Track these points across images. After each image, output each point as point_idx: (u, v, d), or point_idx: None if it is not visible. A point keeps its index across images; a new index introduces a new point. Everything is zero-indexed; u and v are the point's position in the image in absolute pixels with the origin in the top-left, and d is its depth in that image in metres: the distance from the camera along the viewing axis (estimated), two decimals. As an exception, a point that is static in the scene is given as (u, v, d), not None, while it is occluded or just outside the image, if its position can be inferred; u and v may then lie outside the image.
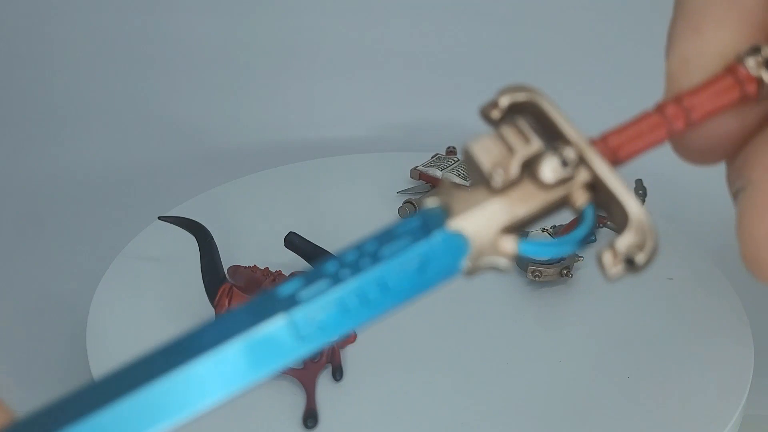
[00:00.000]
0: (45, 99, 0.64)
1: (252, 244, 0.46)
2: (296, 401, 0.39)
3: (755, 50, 0.17)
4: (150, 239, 0.44)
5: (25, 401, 0.45)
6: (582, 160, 0.17)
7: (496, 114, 0.17)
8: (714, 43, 0.18)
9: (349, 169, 0.54)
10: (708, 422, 0.34)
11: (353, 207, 0.50)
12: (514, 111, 0.17)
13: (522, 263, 0.39)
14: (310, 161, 0.55)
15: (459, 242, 0.16)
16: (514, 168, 0.16)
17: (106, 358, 0.34)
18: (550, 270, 0.38)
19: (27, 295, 0.50)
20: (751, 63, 0.17)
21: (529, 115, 0.17)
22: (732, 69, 0.18)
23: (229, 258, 0.44)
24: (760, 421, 0.40)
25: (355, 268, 0.15)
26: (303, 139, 0.62)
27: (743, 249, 0.17)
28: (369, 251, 0.16)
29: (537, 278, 0.37)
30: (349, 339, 0.44)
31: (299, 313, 0.15)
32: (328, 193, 0.52)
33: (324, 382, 0.42)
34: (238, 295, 0.41)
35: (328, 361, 0.43)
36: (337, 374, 0.43)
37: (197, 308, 0.35)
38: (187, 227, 0.44)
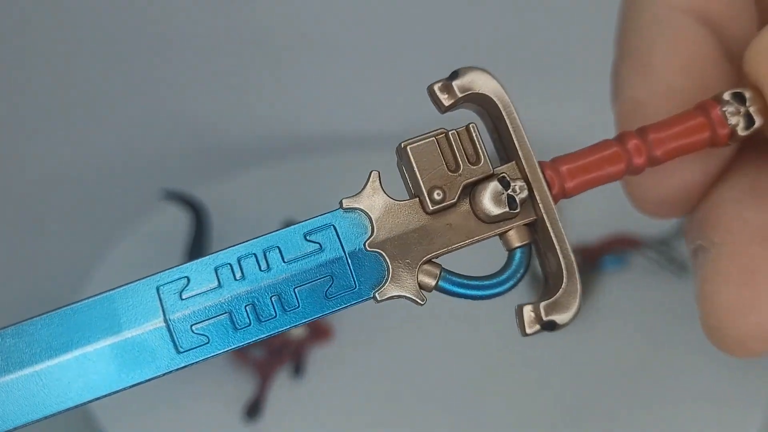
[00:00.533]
0: (44, 95, 0.62)
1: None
2: (243, 392, 0.37)
3: (738, 96, 0.15)
4: (149, 238, 0.43)
5: None
6: (530, 193, 0.15)
7: (446, 100, 0.15)
8: (667, 83, 0.17)
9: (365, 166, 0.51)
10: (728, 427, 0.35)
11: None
12: (468, 101, 0.15)
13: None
14: (325, 157, 0.53)
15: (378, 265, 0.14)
16: (455, 192, 0.15)
17: None
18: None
19: (26, 294, 0.49)
20: (730, 108, 0.15)
21: (480, 109, 0.15)
22: (705, 108, 0.16)
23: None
24: None
25: (252, 276, 0.14)
26: (315, 131, 0.60)
27: (704, 317, 0.16)
28: (272, 255, 0.14)
29: None
30: (324, 334, 0.42)
31: (176, 328, 0.14)
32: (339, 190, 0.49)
33: (282, 377, 0.40)
34: None
35: (292, 358, 0.41)
36: (299, 371, 0.41)
37: None
38: (189, 205, 0.43)
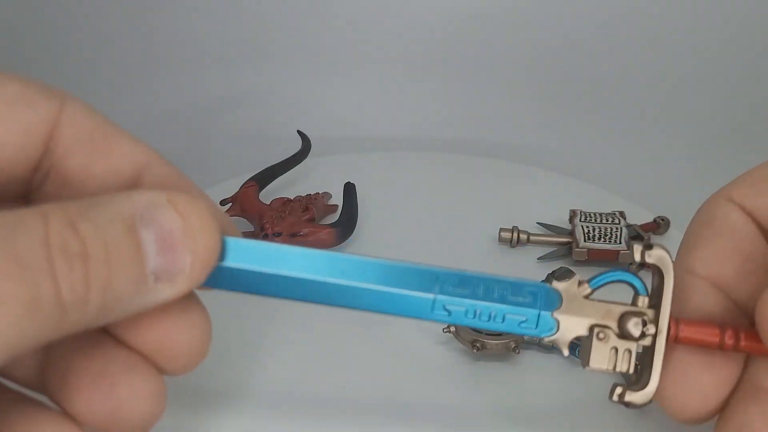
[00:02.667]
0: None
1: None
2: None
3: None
4: None
5: None
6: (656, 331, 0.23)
7: (638, 258, 0.24)
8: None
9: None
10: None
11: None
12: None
13: (465, 333, 0.34)
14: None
15: (551, 325, 0.23)
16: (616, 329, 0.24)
17: None
18: (493, 343, 0.33)
19: None
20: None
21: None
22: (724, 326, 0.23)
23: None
24: None
25: (487, 296, 0.23)
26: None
27: None
28: (501, 290, 0.23)
29: (477, 350, 0.33)
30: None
31: (442, 300, 0.23)
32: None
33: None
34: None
35: None
36: None
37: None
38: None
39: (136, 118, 0.50)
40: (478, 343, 0.33)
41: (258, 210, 0.40)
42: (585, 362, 0.23)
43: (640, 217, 0.44)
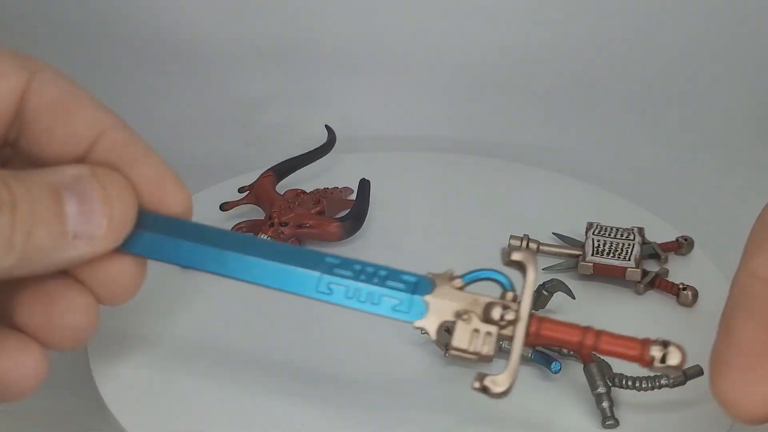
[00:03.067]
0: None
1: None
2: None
3: (665, 344, 0.24)
4: None
5: (26, 401, 0.41)
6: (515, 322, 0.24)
7: (503, 260, 0.25)
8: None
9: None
10: (706, 424, 0.32)
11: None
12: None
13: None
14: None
15: (422, 310, 0.25)
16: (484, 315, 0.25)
17: (106, 358, 0.33)
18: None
19: None
20: (655, 351, 0.24)
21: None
22: (645, 342, 0.24)
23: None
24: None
25: (368, 279, 0.24)
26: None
27: None
28: (380, 275, 0.25)
29: (447, 355, 0.33)
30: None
31: (327, 278, 0.24)
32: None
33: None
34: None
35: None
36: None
37: (198, 306, 0.34)
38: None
39: (180, 114, 0.53)
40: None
41: (270, 199, 0.42)
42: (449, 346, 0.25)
43: (663, 234, 0.42)
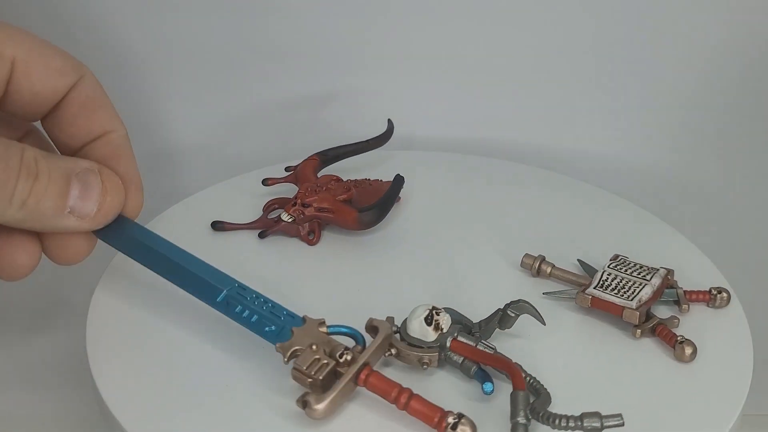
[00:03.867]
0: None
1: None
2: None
3: (460, 416, 0.28)
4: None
5: (26, 401, 0.43)
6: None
7: (367, 326, 0.32)
8: None
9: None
10: (708, 423, 0.32)
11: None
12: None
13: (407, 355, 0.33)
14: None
15: (287, 336, 0.31)
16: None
17: (106, 358, 0.34)
18: (407, 353, 0.32)
19: (26, 293, 0.50)
20: (450, 419, 0.28)
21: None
22: (445, 412, 0.29)
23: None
24: (760, 421, 0.39)
25: (260, 306, 0.32)
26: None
27: None
28: (268, 305, 0.32)
29: (389, 354, 0.33)
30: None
31: (229, 296, 0.32)
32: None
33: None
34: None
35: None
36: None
37: (199, 306, 0.34)
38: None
39: (252, 107, 0.57)
40: (393, 349, 0.33)
41: (305, 181, 0.44)
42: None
43: (711, 279, 0.38)
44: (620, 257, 0.39)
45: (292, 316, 0.32)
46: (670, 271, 0.38)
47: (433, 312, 0.33)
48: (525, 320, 0.34)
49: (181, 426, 0.31)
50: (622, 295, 0.36)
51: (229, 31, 0.52)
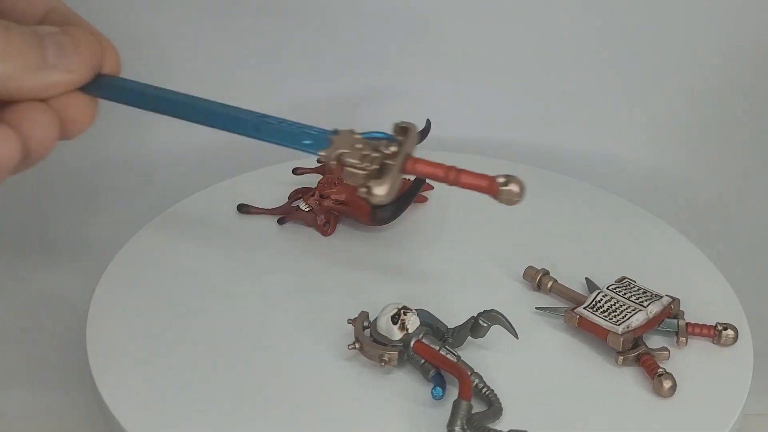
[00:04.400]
0: None
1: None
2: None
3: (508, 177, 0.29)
4: (150, 238, 0.43)
5: (26, 401, 0.42)
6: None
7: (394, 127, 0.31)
8: None
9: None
10: (708, 423, 0.31)
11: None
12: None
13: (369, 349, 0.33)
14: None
15: (325, 145, 0.30)
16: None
17: (106, 358, 0.34)
18: (372, 349, 0.32)
19: (26, 293, 0.50)
20: (500, 179, 0.29)
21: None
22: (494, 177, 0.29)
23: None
24: (761, 421, 0.38)
25: (289, 125, 0.31)
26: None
27: None
28: (297, 125, 0.31)
29: (352, 348, 0.33)
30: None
31: (258, 121, 0.31)
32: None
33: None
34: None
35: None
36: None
37: (199, 306, 0.35)
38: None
39: (292, 103, 0.58)
40: (358, 343, 0.33)
41: (330, 173, 0.45)
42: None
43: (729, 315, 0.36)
44: (626, 280, 0.37)
45: (323, 129, 0.31)
46: (674, 300, 0.35)
47: (401, 311, 0.33)
48: (507, 333, 0.34)
49: (181, 426, 0.31)
50: (611, 319, 0.34)
51: (268, 31, 0.55)
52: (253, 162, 0.50)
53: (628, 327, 0.33)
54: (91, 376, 0.33)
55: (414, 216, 0.44)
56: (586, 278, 0.39)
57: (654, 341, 0.35)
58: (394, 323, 0.33)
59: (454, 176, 0.30)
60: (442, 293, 0.38)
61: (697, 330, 0.35)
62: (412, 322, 0.33)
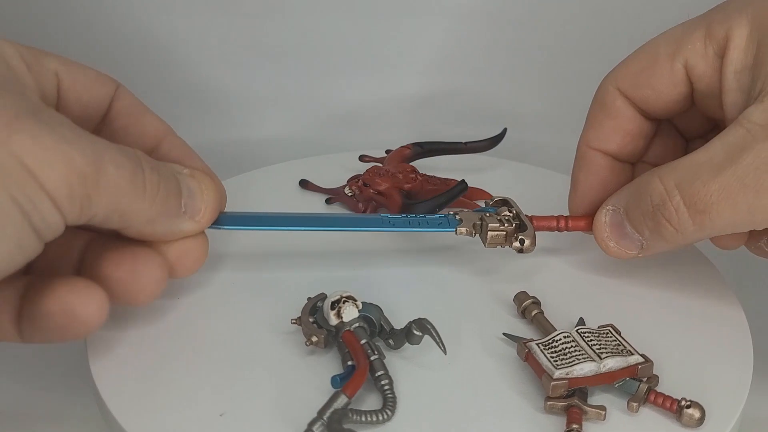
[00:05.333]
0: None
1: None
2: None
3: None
4: None
5: (26, 401, 0.42)
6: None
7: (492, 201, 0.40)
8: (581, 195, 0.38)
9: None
10: (708, 423, 0.31)
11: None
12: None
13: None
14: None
15: (456, 224, 0.37)
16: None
17: (106, 358, 0.34)
18: (306, 327, 0.34)
19: None
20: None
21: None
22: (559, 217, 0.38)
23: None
24: (761, 422, 0.37)
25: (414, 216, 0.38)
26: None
27: None
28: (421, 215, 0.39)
29: (309, 343, 0.34)
30: None
31: (387, 218, 0.38)
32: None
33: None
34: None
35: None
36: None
37: (199, 306, 0.34)
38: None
39: (315, 115, 0.62)
40: (298, 320, 0.34)
41: (389, 164, 0.46)
42: (484, 239, 0.37)
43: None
44: (608, 327, 0.33)
45: (445, 214, 0.38)
46: (646, 364, 0.31)
47: (342, 300, 0.34)
48: (463, 352, 0.34)
49: (181, 426, 0.30)
50: (556, 361, 0.31)
51: (359, 30, 0.57)
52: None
53: (566, 374, 0.30)
54: (91, 376, 0.33)
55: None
56: (581, 318, 0.36)
57: (610, 400, 0.31)
58: (332, 309, 0.34)
59: (563, 223, 0.37)
60: (421, 298, 0.38)
61: (659, 400, 0.30)
62: (348, 312, 0.33)
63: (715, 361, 0.34)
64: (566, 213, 0.39)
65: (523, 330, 0.35)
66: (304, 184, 0.48)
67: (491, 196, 0.46)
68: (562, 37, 0.59)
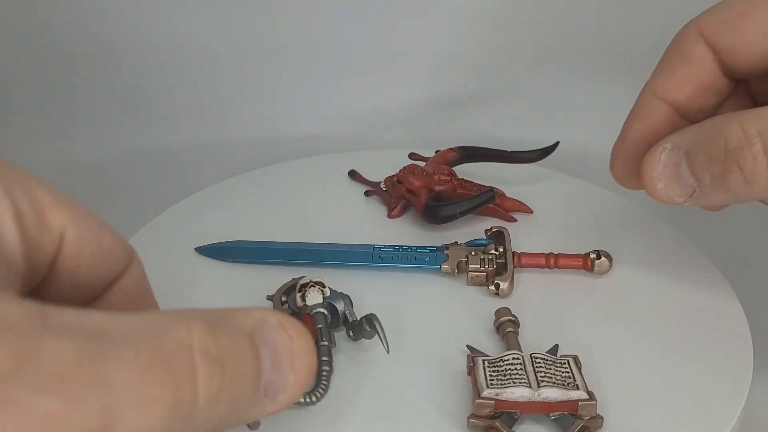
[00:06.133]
0: (50, 94, 0.62)
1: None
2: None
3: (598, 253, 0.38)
4: (148, 238, 0.42)
5: None
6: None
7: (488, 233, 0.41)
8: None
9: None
10: (708, 425, 0.31)
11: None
12: None
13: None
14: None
15: (443, 259, 0.38)
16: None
17: None
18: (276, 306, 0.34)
19: None
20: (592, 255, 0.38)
21: None
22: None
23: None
24: (761, 422, 0.36)
25: (404, 250, 0.39)
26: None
27: None
28: (412, 248, 0.40)
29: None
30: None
31: (378, 252, 0.40)
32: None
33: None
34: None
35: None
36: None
37: (198, 306, 0.36)
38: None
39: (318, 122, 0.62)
40: (272, 298, 0.36)
41: (433, 164, 0.46)
42: (467, 279, 0.38)
43: None
44: (569, 357, 0.31)
45: (434, 248, 0.39)
46: (589, 402, 0.29)
47: (309, 285, 0.35)
48: (416, 355, 0.33)
49: None
50: (492, 380, 0.30)
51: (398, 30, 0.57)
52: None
53: (496, 394, 0.29)
54: None
55: (474, 227, 0.43)
56: (556, 345, 0.34)
57: (536, 430, 0.30)
58: (299, 292, 0.35)
59: (553, 262, 0.38)
60: (410, 297, 0.38)
61: (590, 442, 0.28)
62: (311, 297, 0.34)
63: (715, 361, 0.33)
64: (599, 238, 0.38)
65: (494, 346, 0.34)
66: (353, 174, 0.49)
67: (530, 210, 0.44)
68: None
